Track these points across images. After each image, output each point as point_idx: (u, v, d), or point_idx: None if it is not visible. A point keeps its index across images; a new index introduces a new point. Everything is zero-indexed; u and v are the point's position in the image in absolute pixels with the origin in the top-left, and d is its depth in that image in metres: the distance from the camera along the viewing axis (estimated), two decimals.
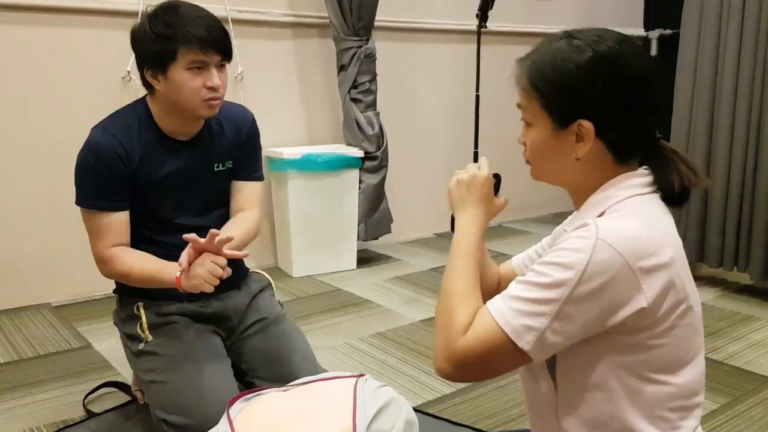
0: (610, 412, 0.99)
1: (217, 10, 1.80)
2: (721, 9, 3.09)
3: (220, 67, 1.69)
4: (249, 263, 2.02)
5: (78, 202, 1.72)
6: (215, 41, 1.64)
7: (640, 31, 4.56)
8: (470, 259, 1.07)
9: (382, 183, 3.57)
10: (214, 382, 1.68)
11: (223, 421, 1.38)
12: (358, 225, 3.52)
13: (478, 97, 3.16)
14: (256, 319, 1.89)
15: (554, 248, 0.96)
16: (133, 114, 1.75)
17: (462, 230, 1.12)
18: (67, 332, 2.68)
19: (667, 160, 1.04)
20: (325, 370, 1.79)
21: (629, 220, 0.96)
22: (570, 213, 1.16)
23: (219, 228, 1.81)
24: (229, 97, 1.78)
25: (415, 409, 1.73)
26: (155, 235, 1.79)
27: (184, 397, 1.65)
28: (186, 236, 1.56)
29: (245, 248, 1.84)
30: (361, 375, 1.44)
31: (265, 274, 2.08)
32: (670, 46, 3.88)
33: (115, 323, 1.91)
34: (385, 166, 3.57)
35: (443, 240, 4.07)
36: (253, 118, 1.92)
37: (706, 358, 1.05)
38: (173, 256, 1.65)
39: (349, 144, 3.54)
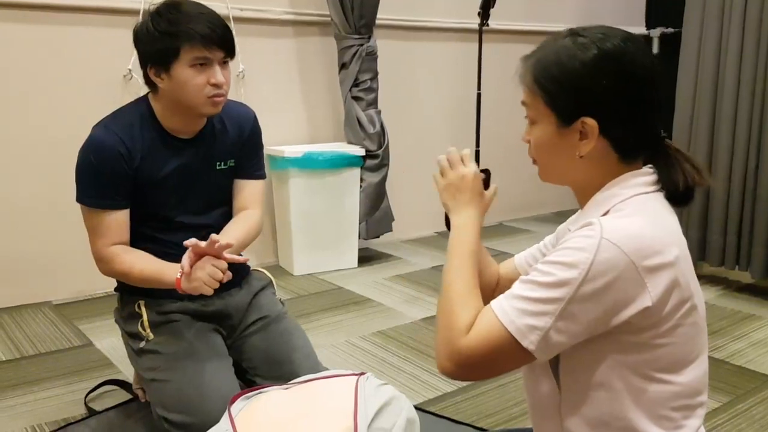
0: (613, 412, 0.98)
1: (218, 8, 1.79)
2: (723, 7, 3.09)
3: (224, 64, 1.69)
4: (250, 261, 2.01)
5: (78, 200, 1.71)
6: (218, 38, 1.64)
7: (641, 30, 4.54)
8: (468, 257, 1.07)
9: (383, 181, 3.56)
10: (216, 380, 1.68)
11: (225, 419, 1.38)
12: (359, 223, 3.52)
13: (479, 96, 3.16)
14: (257, 318, 1.89)
15: (558, 247, 0.96)
16: (135, 112, 1.74)
17: (458, 229, 1.12)
18: (68, 330, 2.68)
19: (671, 159, 1.04)
20: (326, 369, 1.79)
21: (634, 219, 0.96)
22: (571, 212, 1.16)
23: (220, 227, 1.81)
24: (230, 96, 1.77)
25: (416, 408, 1.73)
26: (156, 233, 1.79)
27: (186, 396, 1.65)
28: (186, 242, 1.55)
29: (246, 248, 1.85)
30: (362, 373, 1.44)
31: (266, 272, 2.08)
32: (671, 44, 3.87)
33: (116, 321, 1.91)
34: (387, 165, 3.56)
35: (444, 238, 4.03)
36: (255, 117, 1.92)
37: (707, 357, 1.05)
38: (174, 255, 1.64)
39: (350, 142, 3.53)
